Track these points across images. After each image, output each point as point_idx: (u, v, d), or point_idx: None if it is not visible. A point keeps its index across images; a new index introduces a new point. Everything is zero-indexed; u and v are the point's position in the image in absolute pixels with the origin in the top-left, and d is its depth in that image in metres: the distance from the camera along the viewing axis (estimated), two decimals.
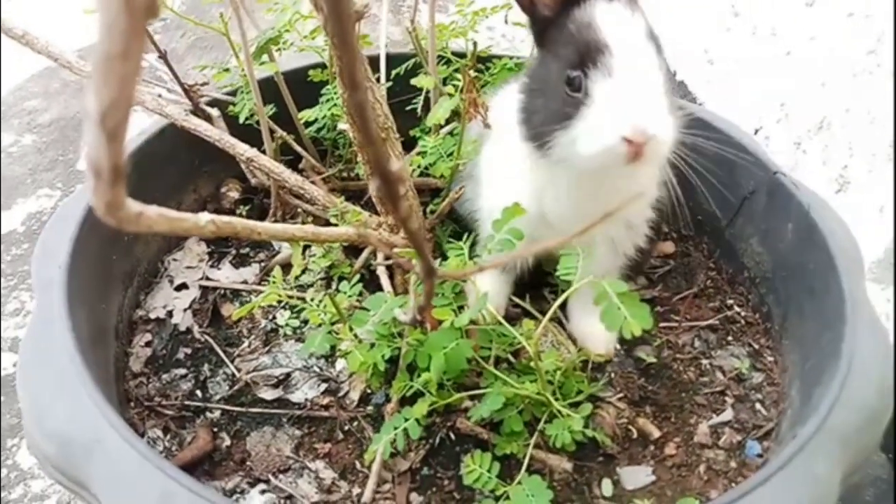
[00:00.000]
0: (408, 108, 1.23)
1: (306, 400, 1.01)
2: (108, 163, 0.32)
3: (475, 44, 1.10)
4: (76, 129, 2.23)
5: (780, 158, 1.66)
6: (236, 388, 1.02)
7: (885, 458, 1.28)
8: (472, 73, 0.93)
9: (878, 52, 1.40)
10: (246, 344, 1.08)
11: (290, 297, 1.01)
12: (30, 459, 1.32)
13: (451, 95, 0.97)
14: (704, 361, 1.07)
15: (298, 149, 1.23)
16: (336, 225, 1.05)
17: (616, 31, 0.79)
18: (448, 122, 1.07)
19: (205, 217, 0.56)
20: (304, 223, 1.21)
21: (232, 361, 1.06)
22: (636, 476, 0.92)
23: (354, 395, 1.01)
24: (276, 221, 1.23)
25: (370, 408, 0.99)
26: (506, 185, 0.97)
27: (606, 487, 0.91)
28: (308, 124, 1.19)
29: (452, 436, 0.95)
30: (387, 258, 1.08)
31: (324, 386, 1.02)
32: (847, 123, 1.48)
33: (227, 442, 0.96)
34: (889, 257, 1.29)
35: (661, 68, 0.81)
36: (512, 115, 0.91)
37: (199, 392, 1.02)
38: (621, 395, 1.01)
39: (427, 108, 1.24)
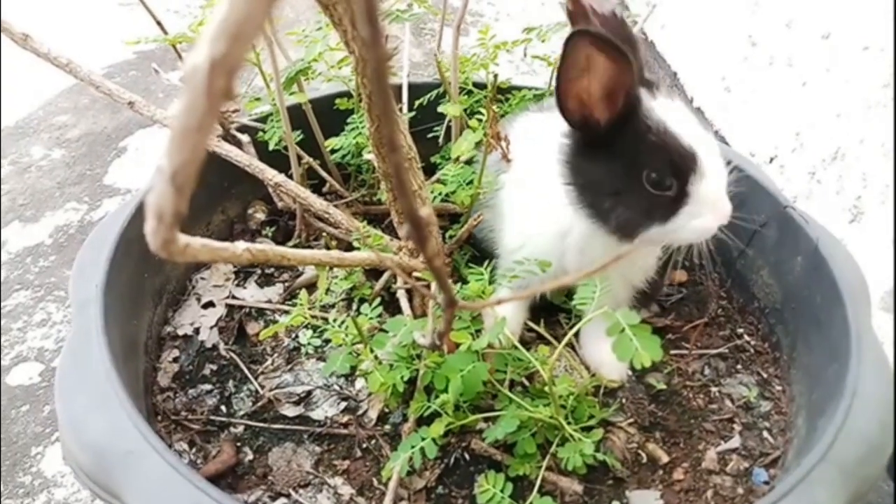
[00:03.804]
0: (429, 135, 1.27)
1: (326, 418, 1.04)
2: (171, 210, 0.36)
3: (496, 76, 1.14)
4: (104, 145, 2.28)
5: (794, 187, 1.69)
6: (259, 404, 1.06)
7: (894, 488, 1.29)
8: (495, 108, 0.97)
9: (892, 86, 1.42)
10: (269, 362, 1.12)
11: (314, 317, 1.04)
12: (53, 467, 1.35)
13: (474, 129, 1.01)
14: (713, 389, 1.10)
15: (323, 174, 1.28)
16: (358, 248, 1.09)
17: (691, 133, 0.89)
18: None
19: (241, 246, 0.60)
20: (327, 245, 1.25)
21: (256, 378, 1.10)
22: (645, 500, 0.95)
23: (373, 414, 1.04)
24: (300, 244, 1.27)
25: (388, 427, 1.02)
26: (529, 232, 1.03)
27: None
28: (333, 151, 1.23)
29: (467, 456, 0.98)
30: (407, 282, 1.12)
31: (343, 404, 1.06)
32: (861, 155, 1.50)
33: (250, 456, 1.00)
34: None
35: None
36: (535, 157, 1.00)
37: (223, 407, 1.06)
38: (632, 420, 1.04)
39: (448, 135, 1.28)
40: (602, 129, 0.90)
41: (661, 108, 0.90)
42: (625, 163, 0.90)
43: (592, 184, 0.93)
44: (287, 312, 1.16)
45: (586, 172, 0.94)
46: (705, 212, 0.90)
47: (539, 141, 1.02)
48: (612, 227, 0.94)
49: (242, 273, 1.27)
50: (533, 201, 1.01)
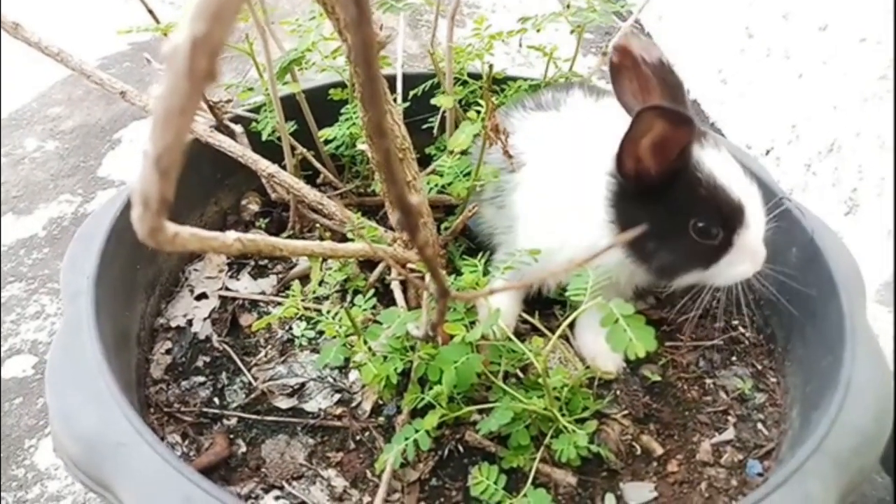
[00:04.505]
0: (424, 126, 1.26)
1: (320, 409, 1.03)
2: (157, 196, 0.36)
3: (491, 66, 1.12)
4: (98, 137, 2.26)
5: (790, 179, 1.69)
6: (253, 396, 1.05)
7: (889, 480, 1.29)
8: (493, 99, 0.96)
9: (889, 78, 1.42)
10: (263, 353, 1.12)
11: (307, 309, 1.04)
12: (47, 460, 1.34)
13: (472, 121, 1.00)
14: (708, 381, 1.10)
15: (317, 165, 1.27)
16: (352, 240, 1.08)
17: (740, 187, 0.93)
18: None
19: (232, 236, 0.60)
20: (321, 237, 1.24)
21: (249, 370, 1.09)
22: (639, 492, 0.94)
23: (367, 406, 1.03)
24: (293, 235, 1.27)
25: (381, 419, 1.02)
26: (557, 243, 1.01)
27: (610, 502, 0.93)
28: (327, 142, 1.22)
29: (461, 448, 0.98)
30: (400, 273, 1.11)
31: (337, 396, 1.05)
32: (857, 147, 1.50)
33: (243, 448, 0.99)
34: None
35: None
36: (560, 168, 1.02)
37: (216, 399, 1.06)
38: (626, 412, 1.03)
39: (442, 126, 1.27)
40: (653, 179, 0.92)
41: (710, 160, 0.93)
42: (672, 211, 0.93)
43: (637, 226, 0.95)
44: (281, 304, 1.15)
45: (632, 216, 0.95)
46: (744, 259, 0.95)
47: (560, 150, 1.03)
48: (653, 269, 0.98)
49: (236, 265, 1.26)
50: (560, 214, 1.01)
